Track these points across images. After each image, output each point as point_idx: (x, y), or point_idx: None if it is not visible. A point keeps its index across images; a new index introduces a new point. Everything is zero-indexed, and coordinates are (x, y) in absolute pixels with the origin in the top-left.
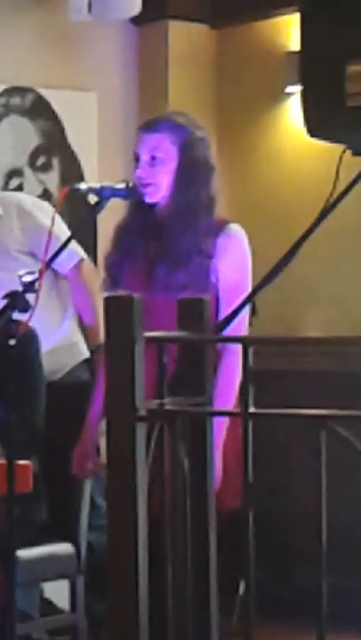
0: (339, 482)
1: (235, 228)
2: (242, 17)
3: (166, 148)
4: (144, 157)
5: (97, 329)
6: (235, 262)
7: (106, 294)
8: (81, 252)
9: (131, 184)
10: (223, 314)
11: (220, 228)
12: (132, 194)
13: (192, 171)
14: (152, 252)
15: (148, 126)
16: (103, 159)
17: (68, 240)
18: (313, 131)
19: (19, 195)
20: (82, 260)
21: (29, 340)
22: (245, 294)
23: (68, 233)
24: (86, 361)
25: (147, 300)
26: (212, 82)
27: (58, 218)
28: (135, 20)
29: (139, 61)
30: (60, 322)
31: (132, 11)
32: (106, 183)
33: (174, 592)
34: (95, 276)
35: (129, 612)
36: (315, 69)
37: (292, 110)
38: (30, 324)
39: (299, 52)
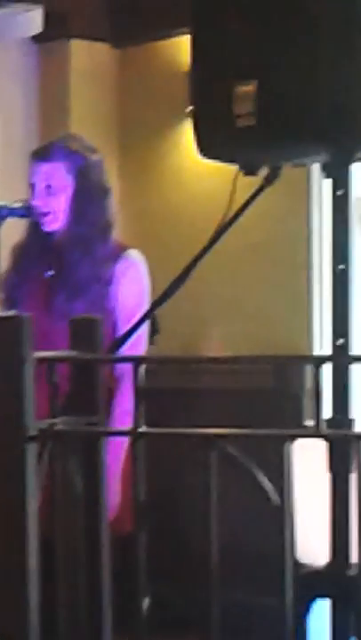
0: (237, 499)
1: (133, 254)
2: (143, 36)
3: (62, 177)
4: (39, 187)
5: None
6: (133, 289)
7: None
8: None
9: (28, 204)
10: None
11: (118, 253)
12: (30, 213)
13: (88, 197)
14: (51, 278)
15: (42, 155)
16: (5, 178)
17: None
18: (204, 151)
19: None
20: None
21: None
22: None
23: None
24: None
25: (46, 326)
26: (114, 101)
27: None
28: (36, 39)
29: (40, 80)
30: None
31: (33, 29)
32: (2, 202)
33: (67, 614)
34: None
35: (20, 635)
36: (204, 90)
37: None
38: None
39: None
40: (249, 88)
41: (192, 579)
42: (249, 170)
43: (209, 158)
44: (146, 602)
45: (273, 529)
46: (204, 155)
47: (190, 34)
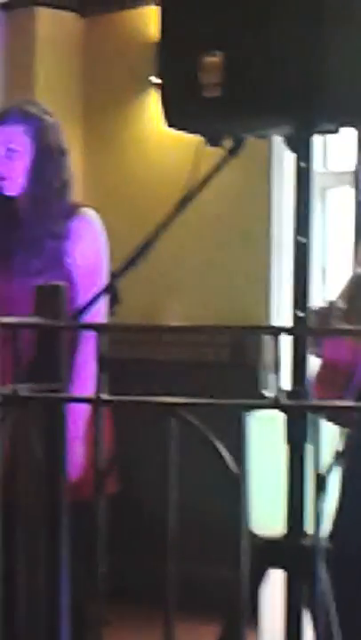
0: (196, 471)
1: (87, 212)
2: (110, 6)
3: (20, 140)
4: None
5: None
6: (88, 246)
7: None
8: None
9: None
10: (80, 298)
11: (72, 211)
12: None
13: (46, 158)
14: (11, 242)
15: None
16: None
17: None
18: (170, 121)
19: None
20: None
21: None
22: (101, 278)
23: None
24: None
25: (6, 289)
26: (79, 69)
27: None
28: (3, 6)
29: (5, 47)
30: None
31: None
32: None
33: (26, 580)
34: None
35: None
36: (172, 60)
37: (157, 100)
38: None
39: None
40: (215, 59)
41: (148, 549)
42: (213, 141)
43: (175, 128)
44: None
45: (229, 499)
46: (171, 125)
47: (159, 4)
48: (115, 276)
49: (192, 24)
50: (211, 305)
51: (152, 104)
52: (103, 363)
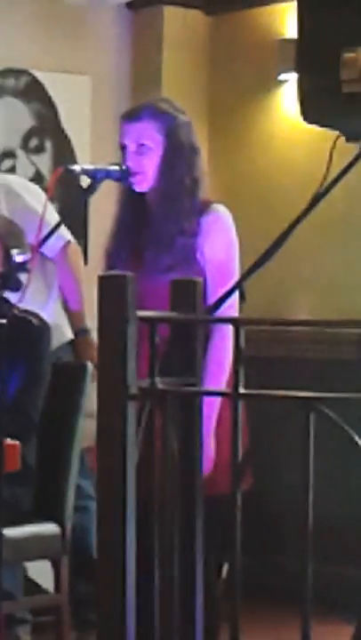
0: (329, 468)
1: (219, 208)
2: (236, 4)
3: (152, 136)
4: (131, 147)
5: (81, 313)
6: (220, 242)
7: None
8: (67, 235)
9: (124, 167)
10: (211, 294)
11: (204, 208)
12: (126, 176)
13: (177, 156)
14: (142, 238)
15: (132, 116)
16: (96, 142)
17: (59, 224)
18: (308, 116)
19: (9, 176)
20: (68, 242)
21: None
22: (233, 273)
23: (56, 216)
24: (70, 343)
25: (138, 285)
26: (205, 68)
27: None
28: (130, 5)
29: (133, 46)
30: (45, 303)
31: None
32: (99, 165)
33: (161, 574)
34: (81, 259)
35: (116, 594)
36: (311, 56)
37: (284, 97)
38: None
39: (293, 39)
40: (355, 55)
41: (283, 548)
42: (351, 137)
43: (314, 125)
44: (225, 568)
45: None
46: (309, 121)
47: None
48: (246, 273)
49: (331, 20)
50: (336, 303)
51: (279, 102)
52: (241, 357)
